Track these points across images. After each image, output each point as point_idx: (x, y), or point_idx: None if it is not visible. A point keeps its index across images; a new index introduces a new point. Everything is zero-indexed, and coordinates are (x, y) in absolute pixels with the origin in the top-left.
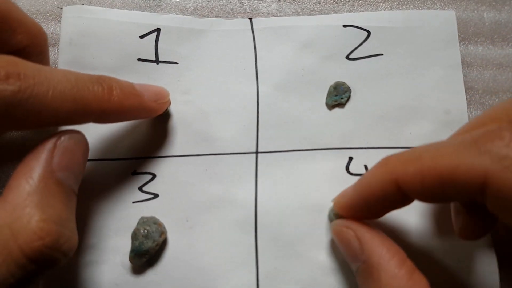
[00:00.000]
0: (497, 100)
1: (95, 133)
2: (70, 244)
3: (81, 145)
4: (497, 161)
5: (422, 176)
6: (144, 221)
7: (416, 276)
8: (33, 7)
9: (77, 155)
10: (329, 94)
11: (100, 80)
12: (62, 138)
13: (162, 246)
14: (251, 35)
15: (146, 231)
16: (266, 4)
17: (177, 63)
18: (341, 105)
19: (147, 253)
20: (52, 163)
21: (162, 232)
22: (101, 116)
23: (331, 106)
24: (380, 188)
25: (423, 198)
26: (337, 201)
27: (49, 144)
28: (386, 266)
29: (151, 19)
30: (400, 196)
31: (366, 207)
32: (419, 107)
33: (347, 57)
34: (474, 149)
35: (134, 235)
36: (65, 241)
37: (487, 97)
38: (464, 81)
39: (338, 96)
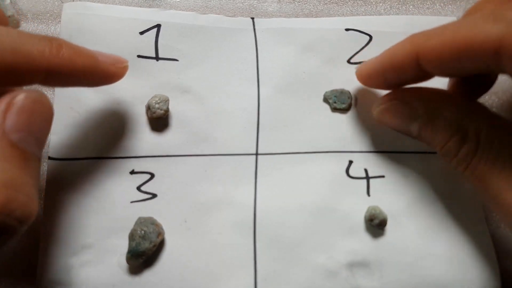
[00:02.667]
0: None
1: (92, 129)
2: (25, 210)
3: (40, 104)
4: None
5: (442, 48)
6: (142, 222)
7: None
8: (33, 7)
9: (36, 116)
10: (330, 99)
11: (48, 37)
12: (18, 97)
13: (159, 246)
14: (253, 35)
15: (143, 231)
16: (266, 4)
17: (177, 60)
18: (343, 110)
19: (144, 254)
20: (4, 124)
21: (160, 233)
22: (50, 74)
23: (332, 109)
24: (401, 59)
25: (440, 71)
26: (359, 69)
27: (1, 105)
28: None
29: (152, 15)
30: (419, 69)
31: (386, 76)
32: None
33: (349, 61)
34: (491, 18)
35: (131, 236)
36: (19, 207)
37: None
38: None
39: (339, 103)
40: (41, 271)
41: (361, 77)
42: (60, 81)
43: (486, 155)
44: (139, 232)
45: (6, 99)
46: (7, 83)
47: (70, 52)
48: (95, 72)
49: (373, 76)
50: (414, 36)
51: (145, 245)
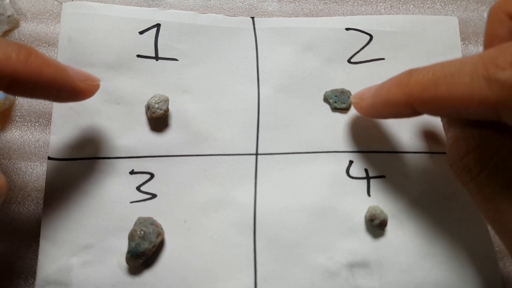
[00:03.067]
0: None
1: (92, 130)
2: None
3: None
4: (507, 90)
5: (437, 102)
6: (141, 222)
7: None
8: (33, 7)
9: None
10: (330, 99)
11: (18, 43)
12: None
13: (159, 247)
14: (253, 35)
15: (142, 232)
16: (266, 3)
17: (177, 60)
18: (343, 110)
19: (143, 254)
20: None
21: (159, 233)
22: (15, 81)
23: (333, 109)
24: (395, 105)
25: (435, 115)
26: (355, 100)
27: None
28: None
29: (151, 14)
30: (413, 112)
31: (383, 114)
32: None
33: (349, 61)
34: (486, 78)
35: (131, 236)
36: None
37: None
38: None
39: (339, 102)
40: (41, 271)
41: (359, 109)
42: (26, 90)
43: (500, 175)
44: (138, 232)
45: None
46: None
47: (39, 62)
48: (63, 86)
49: (370, 113)
50: (407, 86)
51: (145, 246)
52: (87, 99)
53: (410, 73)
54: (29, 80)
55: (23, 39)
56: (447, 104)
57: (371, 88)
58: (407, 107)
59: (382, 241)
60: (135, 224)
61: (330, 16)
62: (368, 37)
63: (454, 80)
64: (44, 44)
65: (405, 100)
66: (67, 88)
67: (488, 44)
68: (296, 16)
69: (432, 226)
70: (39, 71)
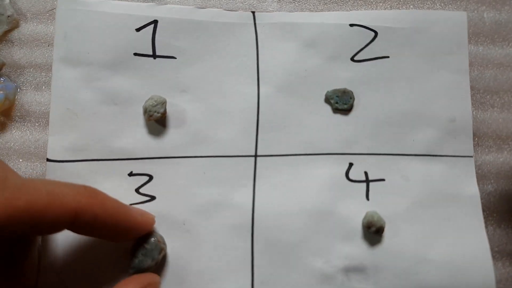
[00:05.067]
0: (497, 99)
1: (90, 131)
2: None
3: None
4: None
5: None
6: (142, 238)
7: None
8: (33, 7)
9: None
10: (331, 100)
11: (78, 184)
12: None
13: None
14: (254, 30)
15: (145, 250)
16: (266, 3)
17: (175, 58)
18: (345, 111)
19: (147, 270)
20: None
21: (162, 249)
22: (79, 215)
23: (334, 110)
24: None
25: None
26: None
27: None
28: None
29: (148, 11)
30: None
31: None
32: (423, 114)
33: (352, 59)
34: None
35: (133, 252)
36: None
37: (487, 96)
38: (469, 76)
39: (341, 103)
40: (41, 276)
41: None
42: (88, 226)
43: None
44: (141, 251)
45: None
46: (40, 229)
47: (102, 197)
48: (124, 220)
49: None
50: None
51: (148, 263)
52: (144, 233)
53: None
54: (93, 214)
55: (23, 39)
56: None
57: None
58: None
59: (379, 246)
60: (137, 239)
61: None
62: (372, 34)
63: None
64: (44, 44)
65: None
66: (128, 222)
67: None
68: None
69: (429, 231)
70: (103, 205)
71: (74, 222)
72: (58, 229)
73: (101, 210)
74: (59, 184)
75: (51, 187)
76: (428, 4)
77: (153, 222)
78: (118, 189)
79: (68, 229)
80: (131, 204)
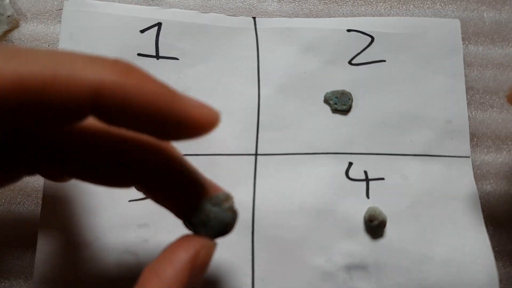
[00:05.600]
0: (497, 100)
1: None
2: None
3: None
4: None
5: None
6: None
7: None
8: (33, 7)
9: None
10: (330, 100)
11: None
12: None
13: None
14: (254, 34)
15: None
16: (266, 3)
17: (177, 59)
18: (344, 111)
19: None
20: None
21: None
22: (101, 97)
23: (333, 110)
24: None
25: None
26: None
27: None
28: None
29: (153, 13)
30: None
31: None
32: (420, 115)
33: (350, 62)
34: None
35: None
36: None
37: (487, 97)
38: (464, 80)
39: (339, 104)
40: (38, 269)
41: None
42: (115, 118)
43: None
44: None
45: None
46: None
47: (137, 74)
48: (170, 111)
49: None
50: None
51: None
52: (203, 135)
53: None
54: (123, 96)
55: (23, 39)
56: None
57: None
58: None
59: (380, 243)
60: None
61: (330, 16)
62: (369, 39)
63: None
64: (44, 45)
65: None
66: (177, 115)
67: None
68: (296, 16)
69: (431, 229)
70: (139, 86)
71: (97, 106)
72: (75, 114)
73: (135, 92)
74: (81, 56)
75: (67, 57)
76: (428, 4)
77: (215, 120)
78: None
79: (93, 115)
80: (130, 201)
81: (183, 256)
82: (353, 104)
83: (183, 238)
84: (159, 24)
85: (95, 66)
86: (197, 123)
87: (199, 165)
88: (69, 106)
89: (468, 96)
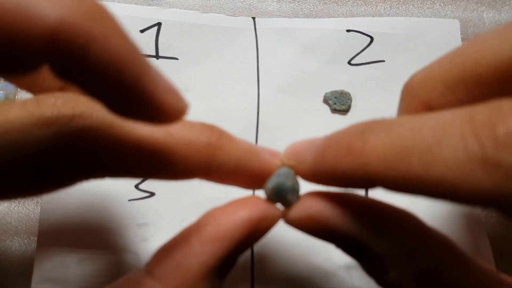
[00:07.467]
0: None
1: None
2: None
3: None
4: None
5: (407, 184)
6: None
7: None
8: None
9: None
10: (330, 100)
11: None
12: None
13: None
14: (254, 35)
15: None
16: (266, 3)
17: (177, 59)
18: (343, 111)
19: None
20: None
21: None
22: (63, 44)
23: (332, 110)
24: (348, 179)
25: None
26: (290, 162)
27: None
28: None
29: (152, 13)
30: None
31: (327, 183)
32: None
33: (349, 62)
34: (481, 160)
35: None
36: None
37: None
38: None
39: (339, 104)
40: (38, 269)
41: (297, 174)
42: (80, 66)
43: None
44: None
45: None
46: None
47: (110, 22)
48: (136, 86)
49: (313, 181)
50: (361, 155)
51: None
52: (161, 125)
53: (364, 132)
54: (82, 48)
55: None
56: (422, 188)
57: (311, 144)
58: (367, 182)
59: None
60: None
61: (329, 16)
62: (368, 39)
63: (432, 155)
64: None
65: (360, 174)
66: (141, 92)
67: None
68: (296, 16)
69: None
70: (104, 37)
71: (52, 53)
72: (26, 61)
73: (100, 47)
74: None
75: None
76: (428, 4)
77: (182, 112)
78: (118, 185)
79: (47, 63)
80: (130, 201)
81: (249, 215)
82: (352, 104)
83: (254, 198)
84: (158, 24)
85: (58, 3)
86: (161, 110)
87: None
88: (19, 51)
89: None
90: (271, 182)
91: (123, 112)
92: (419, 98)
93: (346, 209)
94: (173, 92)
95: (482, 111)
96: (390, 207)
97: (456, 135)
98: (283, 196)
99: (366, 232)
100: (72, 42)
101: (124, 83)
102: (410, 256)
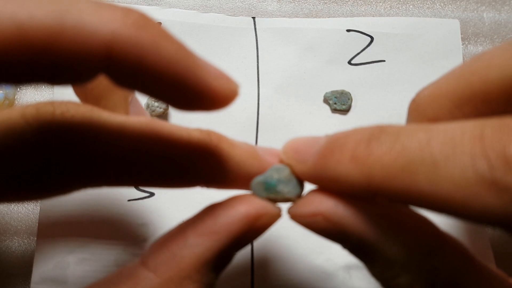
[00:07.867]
0: None
1: None
2: None
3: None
4: None
5: (412, 198)
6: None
7: None
8: None
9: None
10: (330, 100)
11: (127, 7)
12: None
13: None
14: (254, 34)
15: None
16: (266, 3)
17: None
18: (343, 111)
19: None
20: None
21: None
22: (115, 54)
23: (332, 110)
24: (350, 187)
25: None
26: (290, 161)
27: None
28: None
29: (152, 13)
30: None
31: (328, 188)
32: None
33: (349, 62)
34: (490, 182)
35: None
36: None
37: None
38: None
39: (339, 104)
40: (37, 269)
41: (297, 173)
42: (128, 77)
43: None
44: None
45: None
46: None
47: (155, 30)
48: (186, 78)
49: (313, 182)
50: (365, 165)
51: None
52: (219, 109)
53: (369, 140)
54: (138, 52)
55: None
56: (427, 203)
57: (313, 143)
58: (369, 192)
59: None
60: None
61: (329, 16)
62: (369, 39)
63: (439, 172)
64: None
65: (364, 184)
66: (195, 84)
67: None
68: (296, 16)
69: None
70: (153, 43)
71: (110, 62)
72: (86, 71)
73: (152, 52)
74: (90, 3)
75: (72, 4)
76: (428, 4)
77: (234, 93)
78: None
79: (104, 73)
80: (129, 201)
81: (246, 210)
82: (353, 104)
83: (254, 195)
84: (159, 24)
85: (104, 13)
86: (216, 95)
87: None
88: (80, 64)
89: None
90: (258, 177)
91: (183, 104)
92: (426, 114)
93: (359, 208)
94: (224, 77)
95: (492, 128)
96: (407, 210)
97: (465, 154)
98: (270, 189)
99: (379, 234)
100: (126, 52)
101: (180, 79)
102: (425, 263)
